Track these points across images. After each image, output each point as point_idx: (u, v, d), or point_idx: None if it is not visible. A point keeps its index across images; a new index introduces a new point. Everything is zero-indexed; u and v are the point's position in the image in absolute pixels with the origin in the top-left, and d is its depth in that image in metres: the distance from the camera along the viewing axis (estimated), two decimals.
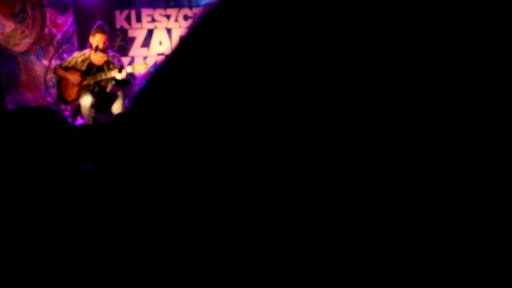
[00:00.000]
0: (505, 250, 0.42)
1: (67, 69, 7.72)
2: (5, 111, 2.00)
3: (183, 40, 0.50)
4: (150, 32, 9.19)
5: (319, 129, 0.43)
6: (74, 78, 7.65)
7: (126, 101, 7.48)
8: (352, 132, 0.42)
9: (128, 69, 7.55)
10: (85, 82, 7.66)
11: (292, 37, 0.44)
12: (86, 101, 7.45)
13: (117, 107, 7.45)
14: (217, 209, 0.43)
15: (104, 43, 7.60)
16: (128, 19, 9.14)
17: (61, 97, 7.84)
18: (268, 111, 0.43)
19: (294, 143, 0.43)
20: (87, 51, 7.74)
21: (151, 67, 8.36)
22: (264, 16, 0.45)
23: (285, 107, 0.43)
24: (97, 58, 7.66)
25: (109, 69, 7.63)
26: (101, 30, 7.64)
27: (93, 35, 7.65)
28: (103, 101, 7.60)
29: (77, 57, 7.75)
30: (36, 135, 2.03)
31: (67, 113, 7.94)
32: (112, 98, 7.61)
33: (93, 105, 7.43)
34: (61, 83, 7.82)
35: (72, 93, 7.72)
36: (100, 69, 7.65)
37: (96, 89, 7.64)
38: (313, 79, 0.43)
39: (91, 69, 7.66)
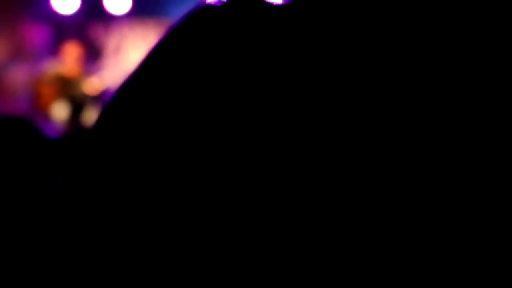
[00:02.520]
0: (505, 250, 0.42)
1: (41, 81, 7.66)
2: None
3: (154, 49, 0.50)
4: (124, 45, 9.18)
5: (316, 127, 0.43)
6: (48, 90, 7.60)
7: None
8: (351, 132, 0.42)
9: (102, 82, 7.52)
10: (59, 95, 7.61)
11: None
12: (59, 114, 7.40)
13: (91, 120, 7.41)
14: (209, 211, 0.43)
15: (78, 55, 7.57)
16: (102, 31, 9.12)
17: (34, 109, 7.78)
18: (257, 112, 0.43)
19: (290, 143, 0.43)
20: (60, 64, 7.70)
21: None
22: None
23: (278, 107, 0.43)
24: (71, 71, 7.63)
25: (83, 82, 7.60)
26: (75, 43, 7.62)
27: (67, 48, 7.61)
28: (77, 114, 7.56)
29: (51, 69, 7.70)
30: (7, 147, 2.00)
31: (40, 124, 7.87)
32: (86, 111, 7.57)
33: (66, 118, 7.38)
34: (34, 94, 7.76)
35: (45, 105, 7.67)
36: (74, 82, 7.61)
37: (70, 102, 7.59)
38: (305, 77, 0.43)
39: (65, 82, 7.61)
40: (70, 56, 7.54)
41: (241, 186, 0.43)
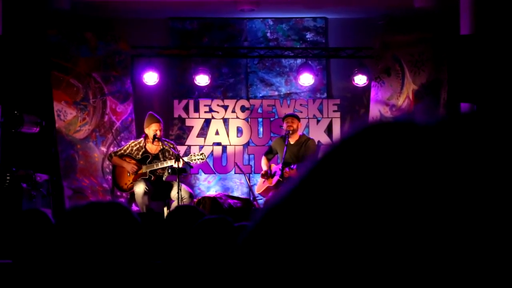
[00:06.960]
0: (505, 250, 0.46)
1: (122, 156, 7.79)
2: (74, 206, 2.00)
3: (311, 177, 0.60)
4: (207, 122, 9.29)
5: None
6: (130, 166, 7.70)
7: (185, 186, 7.51)
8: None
9: (185, 159, 7.57)
10: (141, 171, 7.70)
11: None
12: (139, 189, 7.45)
13: (173, 194, 7.45)
14: None
15: (160, 131, 7.66)
16: (186, 108, 9.27)
17: (116, 185, 7.88)
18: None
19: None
20: (141, 140, 7.81)
21: (208, 157, 8.41)
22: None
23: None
24: (153, 147, 7.72)
25: (165, 157, 7.68)
26: (155, 119, 7.69)
27: (148, 125, 7.70)
28: (159, 189, 7.62)
29: (132, 145, 7.81)
30: (106, 232, 2.00)
31: (122, 199, 7.97)
32: (168, 186, 7.63)
33: (145, 193, 7.42)
34: (116, 170, 7.87)
35: (127, 181, 7.76)
36: (156, 157, 7.71)
37: (153, 178, 7.66)
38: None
39: (147, 158, 7.71)
40: (155, 134, 7.62)
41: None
